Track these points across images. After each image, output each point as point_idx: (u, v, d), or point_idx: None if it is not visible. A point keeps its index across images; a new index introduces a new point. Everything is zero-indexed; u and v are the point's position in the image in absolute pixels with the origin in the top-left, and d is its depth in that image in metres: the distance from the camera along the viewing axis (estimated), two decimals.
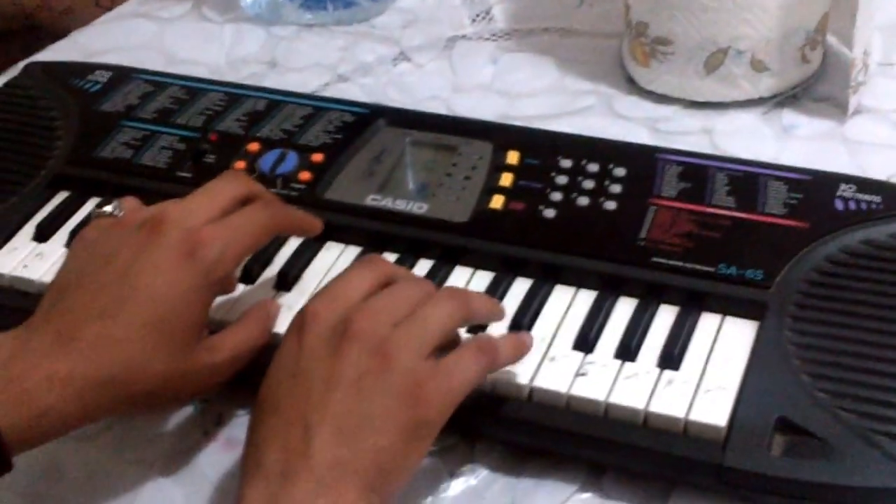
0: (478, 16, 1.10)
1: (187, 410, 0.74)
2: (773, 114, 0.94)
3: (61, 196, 0.85)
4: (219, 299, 0.74)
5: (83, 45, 1.11)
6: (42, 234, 0.82)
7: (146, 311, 0.65)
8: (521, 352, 0.68)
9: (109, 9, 1.26)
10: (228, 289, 0.75)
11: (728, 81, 0.92)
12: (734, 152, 0.88)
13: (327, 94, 0.98)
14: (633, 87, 0.98)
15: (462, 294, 0.68)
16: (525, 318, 0.72)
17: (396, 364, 0.62)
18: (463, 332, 0.69)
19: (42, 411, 0.63)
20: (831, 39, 0.97)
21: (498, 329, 0.71)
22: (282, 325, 0.72)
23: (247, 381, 0.73)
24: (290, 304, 0.74)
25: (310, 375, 0.62)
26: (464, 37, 1.07)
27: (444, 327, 0.65)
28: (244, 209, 0.71)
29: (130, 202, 0.74)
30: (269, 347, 0.72)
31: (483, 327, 0.71)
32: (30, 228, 0.83)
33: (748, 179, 0.78)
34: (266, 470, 0.60)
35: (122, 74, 0.95)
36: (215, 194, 0.71)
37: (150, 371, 0.66)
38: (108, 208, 0.72)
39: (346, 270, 0.68)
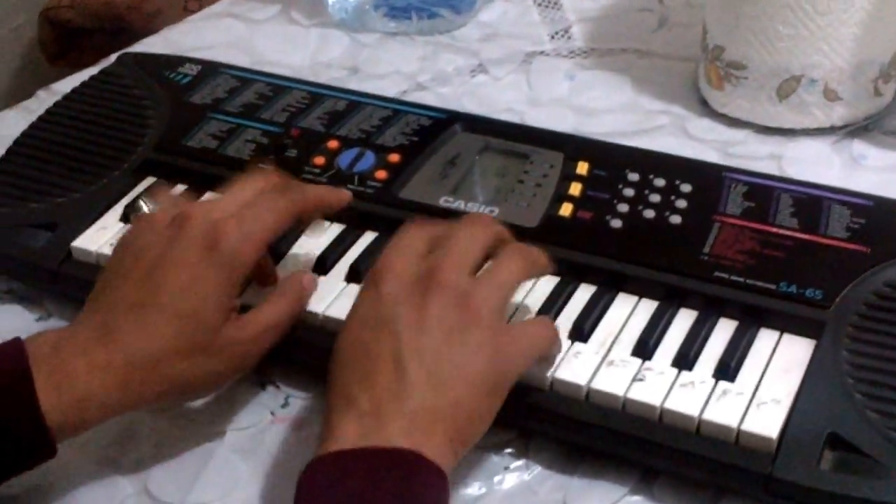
0: (557, 33, 1.12)
1: (255, 392, 0.77)
2: (844, 143, 0.95)
3: (148, 181, 0.88)
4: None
5: (173, 42, 1.14)
6: (129, 216, 0.85)
7: (174, 302, 0.69)
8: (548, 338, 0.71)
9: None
10: (267, 281, 0.78)
11: (800, 109, 0.94)
12: (802, 179, 0.89)
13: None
14: (706, 109, 0.99)
15: (528, 250, 0.72)
16: (587, 323, 0.74)
17: (482, 319, 0.66)
18: None
19: (82, 396, 0.67)
20: None
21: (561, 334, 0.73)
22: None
23: (314, 366, 0.76)
24: None
25: (396, 320, 0.65)
26: (542, 52, 1.09)
27: (517, 282, 0.70)
28: (261, 196, 0.74)
29: (163, 196, 0.77)
30: None
31: None
32: (118, 210, 0.86)
33: (812, 202, 0.79)
34: (359, 407, 0.63)
35: (210, 69, 0.99)
36: (241, 189, 0.74)
37: (181, 356, 0.69)
38: (142, 205, 0.76)
39: (403, 227, 0.72)
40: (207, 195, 0.82)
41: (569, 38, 1.11)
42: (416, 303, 0.66)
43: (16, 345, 0.68)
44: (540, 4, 1.16)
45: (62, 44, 1.72)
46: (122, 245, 0.73)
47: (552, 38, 1.11)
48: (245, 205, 0.73)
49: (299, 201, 0.75)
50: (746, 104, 0.96)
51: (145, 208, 0.75)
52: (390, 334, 0.65)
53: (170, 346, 0.69)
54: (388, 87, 1.05)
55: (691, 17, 1.11)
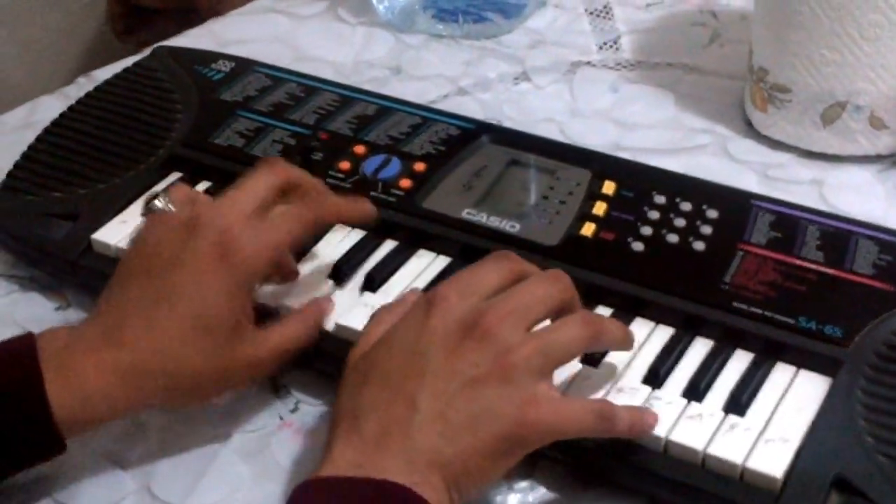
0: (605, 44, 1.10)
1: (266, 395, 0.77)
2: (889, 173, 0.92)
3: (174, 176, 0.88)
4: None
5: (217, 34, 1.14)
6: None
7: (184, 309, 0.69)
8: (637, 429, 0.66)
9: None
10: (288, 278, 0.78)
11: (845, 135, 0.91)
12: (842, 207, 0.86)
13: (445, 105, 0.99)
14: (750, 130, 0.97)
15: (596, 322, 0.67)
16: None
17: (515, 379, 0.63)
18: None
19: (89, 395, 0.67)
20: None
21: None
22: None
23: (326, 373, 0.75)
24: (374, 304, 0.76)
25: (428, 358, 0.63)
26: (588, 63, 1.08)
27: (570, 352, 0.66)
28: (281, 207, 0.73)
29: (179, 193, 0.75)
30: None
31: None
32: (140, 204, 0.84)
33: (840, 236, 0.77)
34: (362, 434, 0.62)
35: (243, 66, 0.98)
36: (253, 188, 0.73)
37: (190, 363, 0.69)
38: (157, 203, 0.74)
39: (481, 262, 0.69)
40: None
41: (617, 49, 1.09)
42: (453, 344, 0.63)
43: (28, 341, 0.69)
44: (591, 13, 1.15)
45: (131, 21, 1.74)
46: (136, 244, 0.73)
47: (600, 48, 1.10)
48: (261, 208, 0.72)
49: (319, 212, 0.74)
50: (790, 128, 0.93)
51: (161, 206, 0.74)
52: (417, 368, 0.63)
53: (177, 351, 0.69)
54: (430, 90, 1.04)
55: (745, 34, 1.09)
